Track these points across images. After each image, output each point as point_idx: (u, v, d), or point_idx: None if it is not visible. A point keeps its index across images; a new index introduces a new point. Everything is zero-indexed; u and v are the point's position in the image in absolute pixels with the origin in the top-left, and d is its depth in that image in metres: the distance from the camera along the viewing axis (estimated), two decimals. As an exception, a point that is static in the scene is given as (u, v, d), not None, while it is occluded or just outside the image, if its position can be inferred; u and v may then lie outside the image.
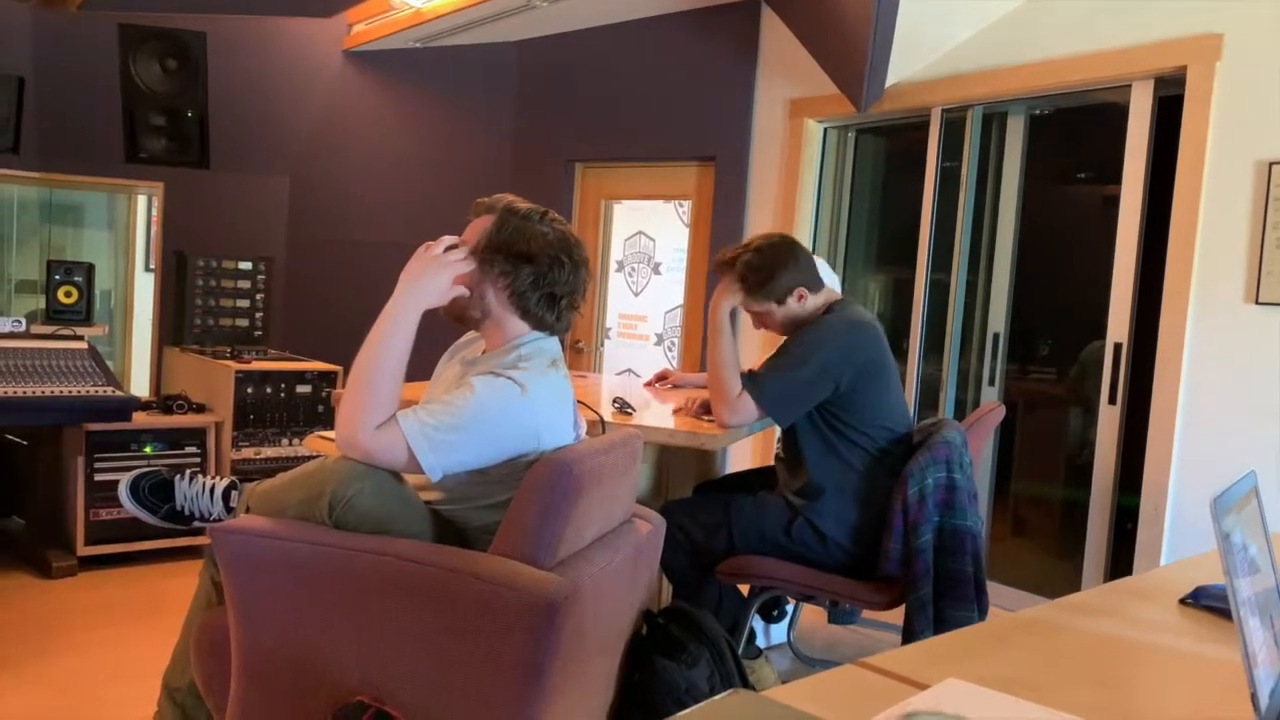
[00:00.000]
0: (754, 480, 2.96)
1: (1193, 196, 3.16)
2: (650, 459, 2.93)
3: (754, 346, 2.90)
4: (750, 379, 2.57)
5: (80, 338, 3.91)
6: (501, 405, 1.85)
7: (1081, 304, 3.72)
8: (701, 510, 2.70)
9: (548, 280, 1.98)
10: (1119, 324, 3.41)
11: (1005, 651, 1.18)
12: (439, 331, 2.08)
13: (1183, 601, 1.41)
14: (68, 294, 4.16)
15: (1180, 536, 3.18)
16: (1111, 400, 3.42)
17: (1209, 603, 1.38)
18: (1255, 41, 3.04)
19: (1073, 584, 3.48)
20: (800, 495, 2.63)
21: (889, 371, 2.68)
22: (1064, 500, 3.93)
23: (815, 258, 3.31)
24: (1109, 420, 3.43)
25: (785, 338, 2.71)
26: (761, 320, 2.76)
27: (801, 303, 2.68)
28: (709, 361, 2.64)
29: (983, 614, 2.52)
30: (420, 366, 2.01)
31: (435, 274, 1.92)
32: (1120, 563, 3.40)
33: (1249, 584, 0.98)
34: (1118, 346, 3.41)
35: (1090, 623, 1.31)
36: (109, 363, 3.98)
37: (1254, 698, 0.94)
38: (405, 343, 1.89)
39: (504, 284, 1.98)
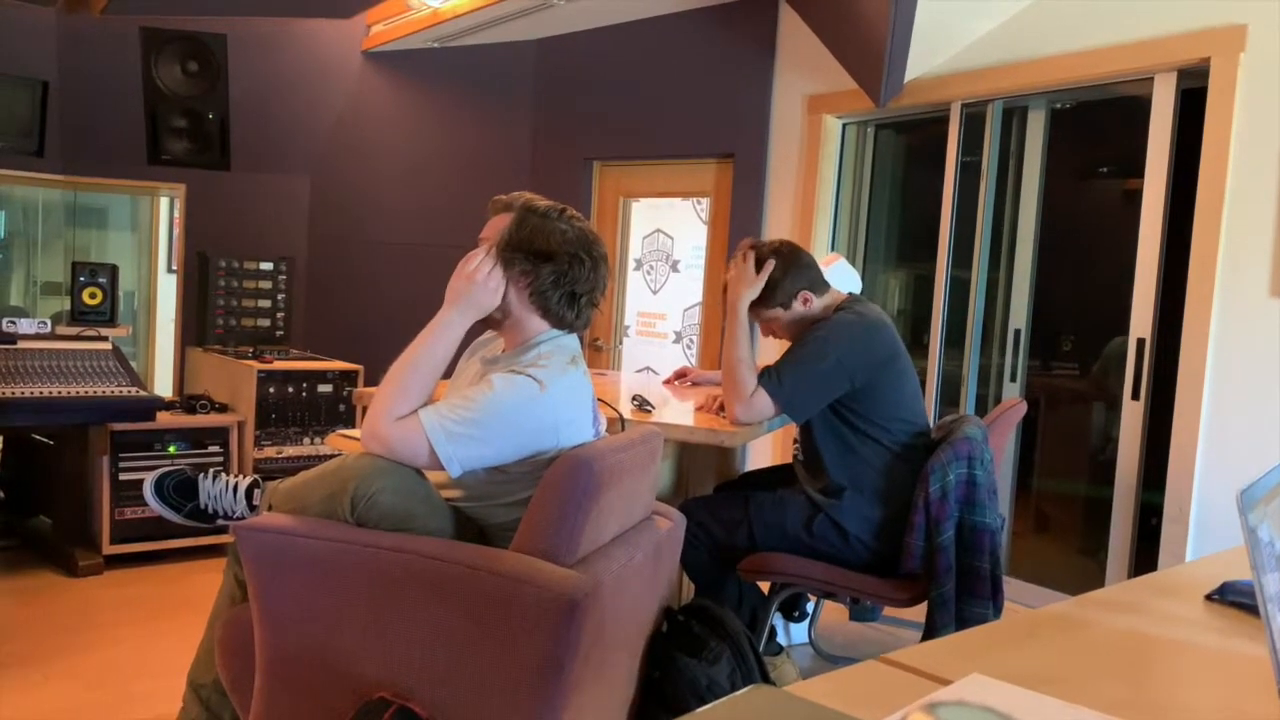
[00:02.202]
0: (774, 478, 2.95)
1: (1217, 190, 3.12)
2: (670, 456, 2.93)
3: (770, 344, 2.89)
4: (766, 375, 2.56)
5: (104, 338, 3.94)
6: (519, 401, 1.86)
7: (1104, 299, 3.69)
8: (722, 507, 2.69)
9: (568, 278, 1.98)
10: (1142, 319, 3.38)
11: (1029, 647, 1.17)
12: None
13: (1208, 597, 1.39)
14: (92, 295, 4.20)
15: (1205, 532, 3.15)
16: (1135, 396, 3.39)
17: (1235, 599, 1.37)
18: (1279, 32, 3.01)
19: (1096, 580, 3.46)
20: (822, 493, 2.62)
21: (904, 367, 2.66)
22: (1087, 496, 3.90)
23: (840, 260, 3.32)
24: (1132, 416, 3.40)
25: (796, 339, 2.69)
26: (769, 328, 2.77)
27: (807, 306, 2.68)
28: (724, 357, 2.61)
29: (998, 611, 2.51)
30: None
31: (479, 287, 1.95)
32: (1144, 559, 3.37)
33: (1276, 580, 0.97)
34: (1141, 342, 3.38)
35: (1115, 619, 1.30)
36: (133, 363, 4.02)
37: (1282, 693, 0.93)
38: (445, 351, 1.94)
39: (525, 283, 1.99)
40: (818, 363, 2.53)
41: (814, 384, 2.54)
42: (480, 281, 1.96)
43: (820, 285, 2.71)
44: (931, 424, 2.76)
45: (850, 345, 2.55)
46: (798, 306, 2.67)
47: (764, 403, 2.52)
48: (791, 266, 2.67)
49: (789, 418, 2.61)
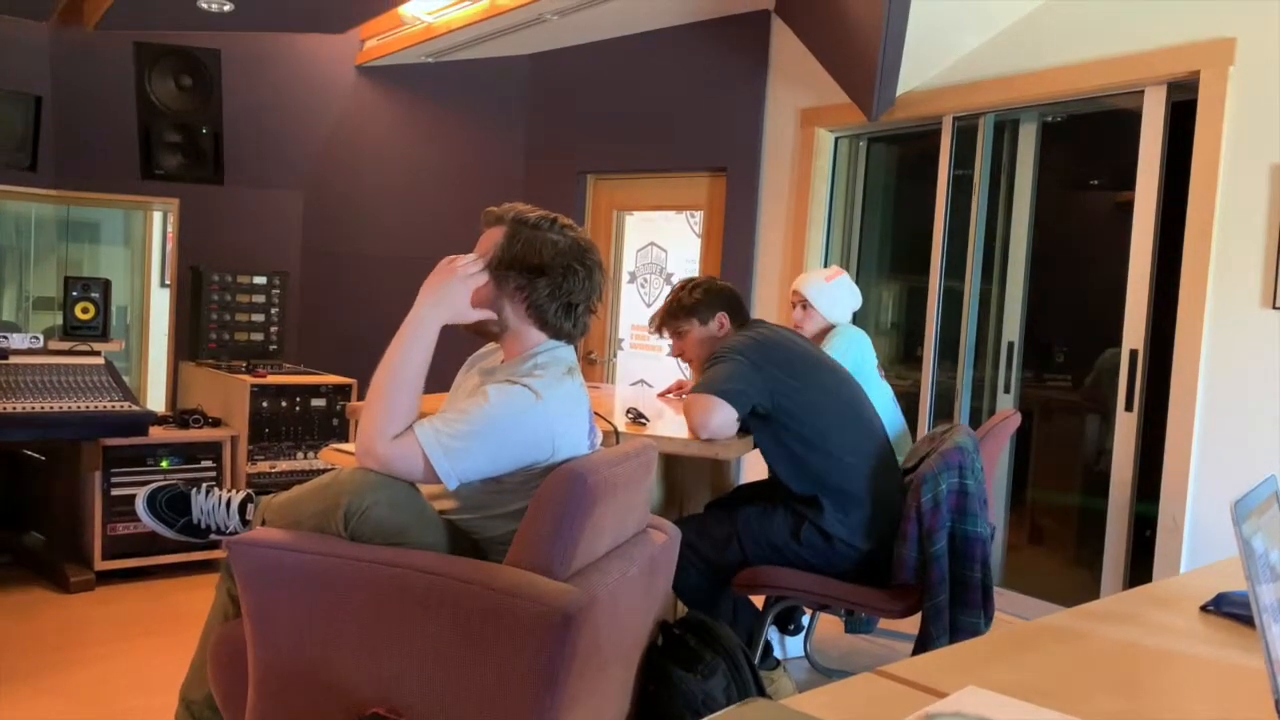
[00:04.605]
0: (764, 491, 2.95)
1: (1207, 202, 3.14)
2: (664, 470, 2.93)
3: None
4: (696, 389, 2.63)
5: (97, 353, 3.93)
6: (515, 411, 1.86)
7: (1096, 311, 3.70)
8: (710, 525, 2.70)
9: (564, 290, 1.98)
10: (1135, 330, 3.39)
11: (1025, 659, 1.17)
12: (457, 343, 2.09)
13: (1204, 608, 1.39)
14: (85, 310, 4.19)
15: (1200, 543, 3.15)
16: (1128, 407, 3.40)
17: (1230, 610, 1.37)
18: (1269, 45, 3.03)
19: (1091, 592, 3.46)
20: (801, 504, 2.63)
21: (811, 370, 2.71)
22: (1082, 508, 3.90)
23: (842, 275, 3.41)
24: (1126, 427, 3.41)
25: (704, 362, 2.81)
26: (681, 345, 2.93)
27: (722, 329, 2.86)
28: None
29: (989, 620, 2.51)
30: (439, 378, 2.01)
31: (454, 287, 1.94)
32: (1139, 570, 3.37)
33: (1271, 590, 0.97)
34: (1134, 353, 3.39)
35: (1110, 630, 1.30)
36: (125, 378, 4.00)
37: (1277, 704, 0.93)
38: (424, 355, 1.91)
39: (521, 298, 1.99)
40: (725, 365, 2.63)
41: (730, 378, 2.59)
42: (458, 278, 1.94)
43: (739, 314, 2.90)
44: (924, 434, 2.77)
45: (744, 344, 2.70)
46: (713, 326, 2.86)
47: (707, 402, 2.54)
48: (712, 293, 2.91)
49: (733, 408, 2.59)
